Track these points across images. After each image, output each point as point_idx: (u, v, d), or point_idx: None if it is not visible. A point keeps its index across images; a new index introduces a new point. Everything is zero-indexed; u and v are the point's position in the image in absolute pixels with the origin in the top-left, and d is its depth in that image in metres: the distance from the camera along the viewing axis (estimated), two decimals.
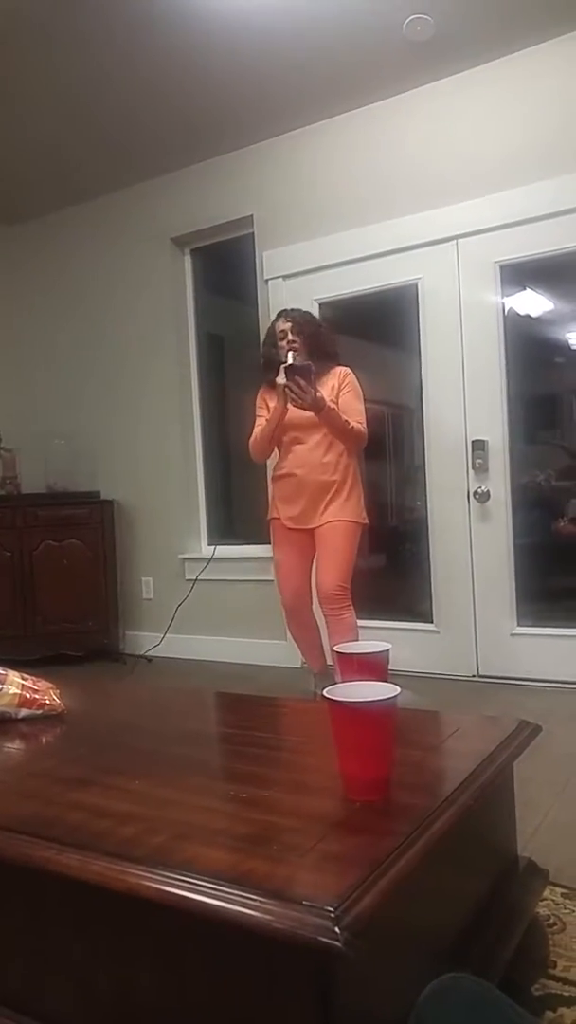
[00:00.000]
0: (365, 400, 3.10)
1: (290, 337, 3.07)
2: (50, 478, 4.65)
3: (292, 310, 3.20)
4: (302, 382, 2.83)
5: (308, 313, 3.25)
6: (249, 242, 4.19)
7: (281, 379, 2.90)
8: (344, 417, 2.97)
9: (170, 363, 4.52)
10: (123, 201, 4.59)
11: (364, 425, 3.04)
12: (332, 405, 2.94)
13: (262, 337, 4.05)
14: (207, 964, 0.88)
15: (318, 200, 3.93)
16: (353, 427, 2.99)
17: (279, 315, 3.20)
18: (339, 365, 3.13)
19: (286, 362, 2.92)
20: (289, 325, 3.09)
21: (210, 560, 4.25)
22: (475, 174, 3.51)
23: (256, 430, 3.13)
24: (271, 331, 3.19)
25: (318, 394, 2.87)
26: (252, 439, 3.15)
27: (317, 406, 2.88)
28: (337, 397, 3.02)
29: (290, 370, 2.87)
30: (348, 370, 3.10)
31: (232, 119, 3.89)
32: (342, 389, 3.05)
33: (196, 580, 4.30)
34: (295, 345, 3.04)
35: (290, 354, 2.97)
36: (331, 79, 3.56)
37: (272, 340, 3.16)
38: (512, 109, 3.42)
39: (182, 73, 3.47)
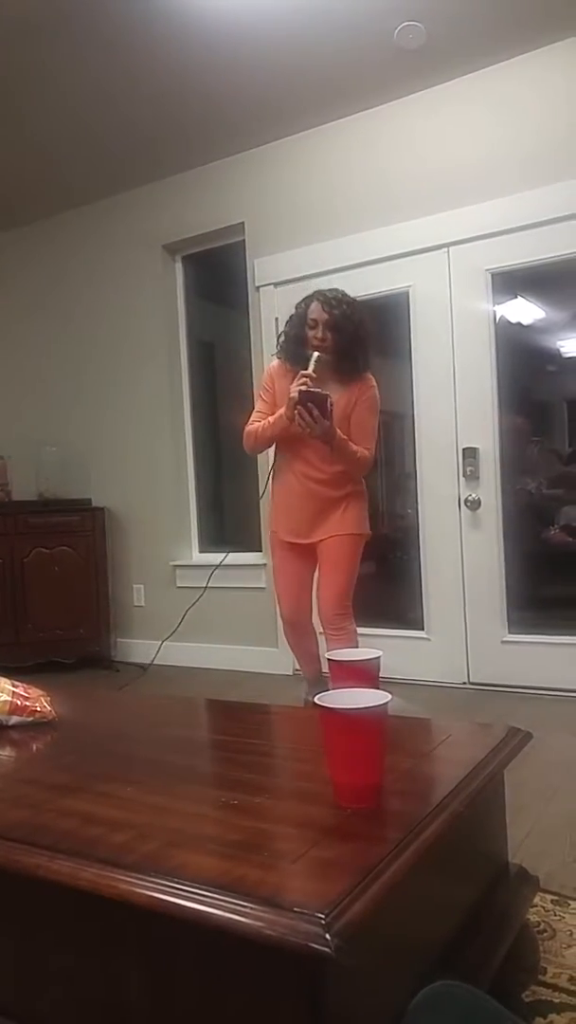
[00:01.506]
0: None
1: (321, 333, 2.72)
2: (41, 485, 4.65)
3: (333, 294, 2.76)
4: (315, 411, 2.57)
5: (350, 306, 2.76)
6: (240, 249, 4.20)
7: (295, 391, 2.62)
8: (352, 447, 2.73)
9: (161, 370, 4.52)
10: (115, 208, 4.60)
11: (371, 451, 2.82)
12: (343, 436, 2.70)
13: (254, 343, 4.08)
14: (198, 971, 0.87)
15: (309, 208, 3.95)
16: (360, 456, 2.77)
17: (315, 297, 2.78)
18: (366, 374, 2.83)
19: (309, 357, 2.65)
20: (325, 318, 2.71)
21: (215, 567, 4.14)
22: (466, 182, 3.53)
23: (255, 420, 2.88)
24: (303, 311, 2.80)
25: (328, 423, 2.61)
26: (249, 430, 2.89)
27: (327, 438, 2.64)
28: (352, 410, 2.78)
29: (304, 395, 2.58)
30: (373, 383, 2.83)
31: (224, 127, 3.90)
32: (358, 403, 2.79)
33: (206, 587, 4.29)
34: (324, 344, 2.72)
35: (314, 356, 2.66)
36: (322, 86, 3.58)
37: (300, 322, 2.80)
38: (503, 117, 3.45)
39: (174, 80, 3.49)
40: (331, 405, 2.61)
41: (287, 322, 2.92)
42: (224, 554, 4.10)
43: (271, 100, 3.67)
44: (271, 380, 2.90)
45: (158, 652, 4.23)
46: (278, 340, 2.98)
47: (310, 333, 2.76)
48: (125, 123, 3.85)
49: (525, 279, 3.58)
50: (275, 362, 2.95)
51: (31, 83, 3.48)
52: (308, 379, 2.63)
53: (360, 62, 3.40)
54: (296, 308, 2.88)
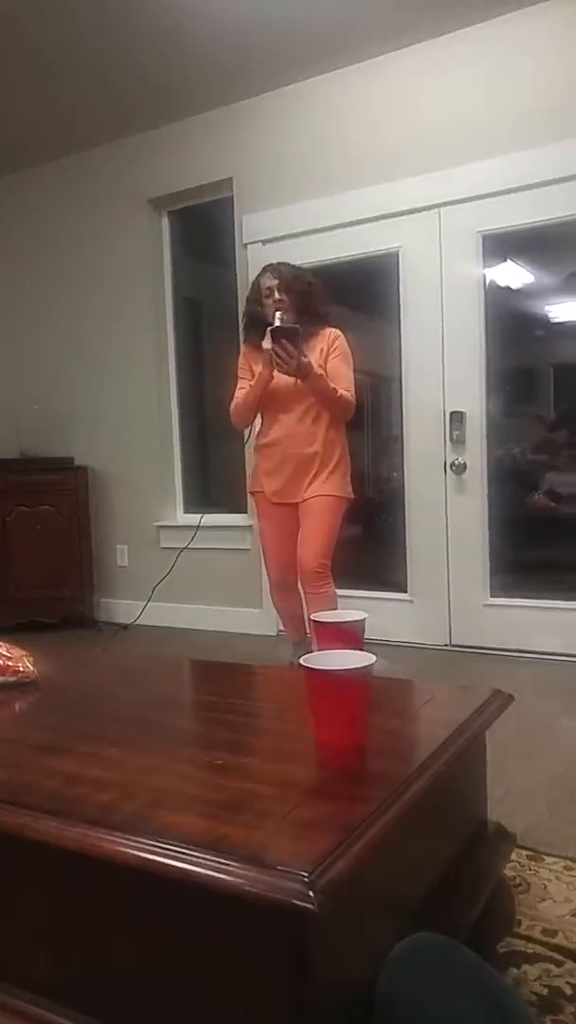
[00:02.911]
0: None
1: (276, 296, 2.87)
2: (23, 443, 4.59)
3: (279, 264, 2.97)
4: (288, 346, 2.66)
5: (297, 268, 2.99)
6: (228, 205, 4.12)
7: (267, 343, 2.71)
8: (332, 384, 2.82)
9: (146, 327, 4.46)
10: (99, 159, 4.49)
11: (352, 393, 2.89)
12: (320, 372, 2.79)
13: (241, 302, 4.01)
14: (182, 928, 0.89)
15: (299, 164, 3.87)
16: (341, 395, 2.84)
17: (264, 270, 2.98)
18: (329, 326, 2.94)
19: (272, 324, 2.74)
20: (276, 282, 2.89)
21: (196, 530, 4.05)
22: (459, 141, 3.46)
23: (238, 395, 2.98)
24: (255, 287, 2.98)
25: (305, 359, 2.72)
26: (233, 405, 2.99)
27: (303, 372, 2.72)
28: (325, 361, 2.86)
29: (276, 332, 2.68)
30: (339, 332, 2.94)
31: (212, 76, 3.79)
32: (331, 353, 2.89)
33: (182, 549, 4.28)
34: (282, 304, 2.85)
35: (277, 315, 2.77)
36: (314, 38, 3.48)
37: (256, 297, 2.96)
38: (498, 76, 3.37)
39: (160, 28, 3.37)
40: (301, 335, 2.72)
41: (246, 302, 3.07)
42: (200, 515, 4.10)
43: (261, 51, 3.57)
44: (246, 361, 3.00)
45: (140, 614, 4.26)
46: (242, 323, 3.09)
47: (268, 303, 2.90)
48: (108, 72, 3.73)
49: (515, 242, 3.54)
50: (246, 346, 3.06)
51: (8, 34, 3.35)
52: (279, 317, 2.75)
53: (352, 13, 3.30)
54: (250, 289, 3.04)
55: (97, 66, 3.68)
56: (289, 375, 2.75)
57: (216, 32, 3.41)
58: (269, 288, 2.90)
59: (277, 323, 2.73)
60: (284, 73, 3.78)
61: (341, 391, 2.85)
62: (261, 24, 3.37)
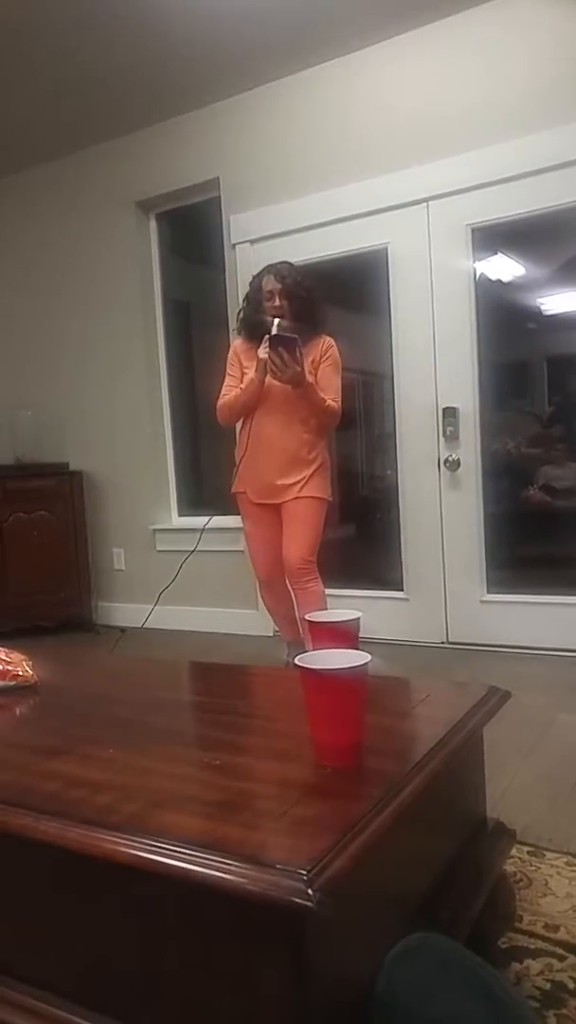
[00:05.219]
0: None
1: (276, 302, 2.90)
2: (18, 450, 4.59)
3: (282, 266, 2.97)
4: (285, 355, 2.73)
5: (299, 272, 2.99)
6: (216, 205, 4.12)
7: (263, 351, 2.79)
8: (320, 394, 2.89)
9: (136, 330, 4.45)
10: (85, 163, 4.48)
11: (339, 403, 2.96)
12: (311, 380, 2.86)
13: (230, 302, 4.02)
14: (182, 927, 0.89)
15: (286, 162, 3.87)
16: (328, 405, 2.91)
17: (268, 271, 2.97)
18: (324, 334, 3.00)
19: (271, 332, 2.79)
20: (278, 287, 2.90)
21: (202, 531, 3.98)
22: (446, 132, 3.45)
23: (228, 395, 3.02)
24: (257, 286, 2.99)
25: (300, 368, 2.77)
26: (222, 402, 3.04)
27: (297, 380, 2.80)
28: (316, 369, 2.92)
29: (275, 340, 2.75)
30: (332, 341, 2.99)
31: (196, 76, 3.79)
32: (322, 361, 2.94)
33: (193, 550, 4.27)
34: (281, 311, 2.89)
35: (275, 322, 2.82)
36: (296, 33, 3.47)
37: (256, 297, 2.98)
38: (485, 64, 3.36)
39: (145, 26, 3.37)
40: (300, 347, 2.76)
41: (244, 299, 3.10)
42: (208, 518, 4.07)
43: (243, 48, 3.56)
44: (236, 356, 3.05)
45: (147, 618, 4.25)
46: (237, 316, 3.13)
47: (267, 305, 2.93)
48: (93, 75, 3.73)
49: (506, 234, 3.54)
50: (238, 340, 3.10)
51: None
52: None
53: (334, 5, 3.28)
54: (250, 286, 3.06)
55: (82, 69, 3.68)
56: (283, 382, 2.83)
57: (198, 31, 3.41)
58: (270, 292, 2.92)
59: (275, 331, 2.79)
60: (267, 70, 3.77)
61: (329, 401, 2.92)
62: (243, 22, 3.37)
